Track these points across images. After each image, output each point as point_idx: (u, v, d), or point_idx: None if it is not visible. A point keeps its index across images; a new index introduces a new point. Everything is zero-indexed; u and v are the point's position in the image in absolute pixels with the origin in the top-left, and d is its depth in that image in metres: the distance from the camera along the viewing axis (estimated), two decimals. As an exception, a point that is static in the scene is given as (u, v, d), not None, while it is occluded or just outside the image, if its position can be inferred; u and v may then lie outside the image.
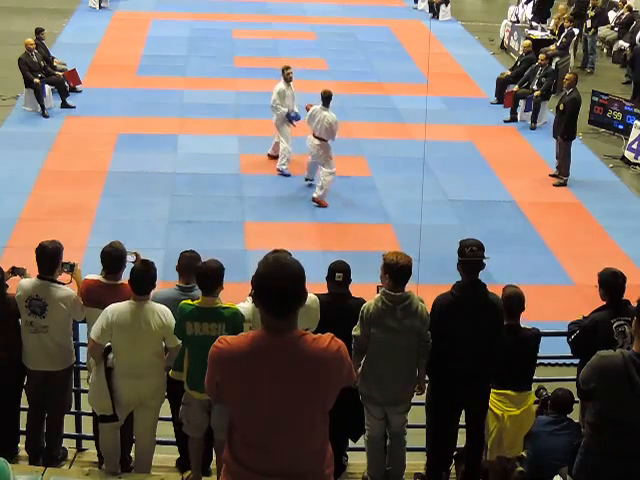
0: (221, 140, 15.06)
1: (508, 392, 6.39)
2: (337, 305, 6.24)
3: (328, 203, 12.76)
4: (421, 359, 6.14)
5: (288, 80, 13.50)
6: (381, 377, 6.05)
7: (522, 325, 6.46)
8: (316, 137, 12.59)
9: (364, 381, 6.03)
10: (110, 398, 6.01)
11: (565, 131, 13.70)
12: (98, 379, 6.04)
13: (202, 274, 5.84)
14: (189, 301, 5.89)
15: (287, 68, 13.54)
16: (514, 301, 6.35)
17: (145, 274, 5.98)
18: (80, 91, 16.96)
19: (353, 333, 5.98)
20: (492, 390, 6.39)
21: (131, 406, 6.17)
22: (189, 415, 6.03)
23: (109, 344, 6.01)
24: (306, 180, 13.34)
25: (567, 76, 14.33)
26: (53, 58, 16.99)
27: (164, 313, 5.95)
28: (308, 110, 12.77)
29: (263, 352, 3.61)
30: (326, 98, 12.55)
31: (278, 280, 3.54)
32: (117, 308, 5.93)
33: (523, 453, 6.53)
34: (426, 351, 6.10)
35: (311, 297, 6.04)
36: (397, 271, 5.93)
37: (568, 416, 6.55)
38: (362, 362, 6.06)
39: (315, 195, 12.76)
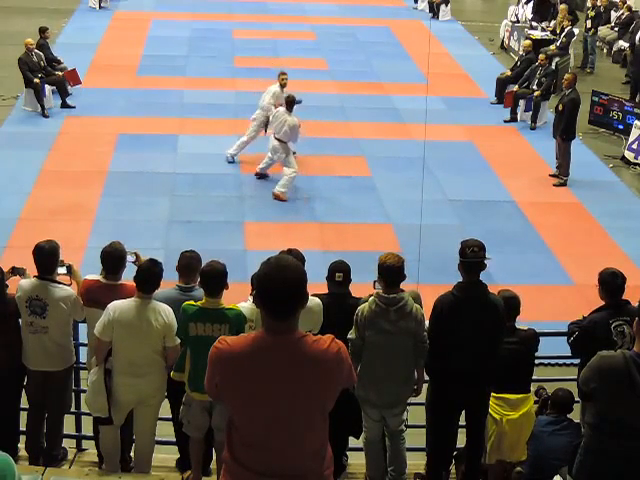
0: (221, 140, 15.05)
1: (506, 396, 6.38)
2: (337, 305, 6.24)
3: (287, 198, 12.91)
4: (419, 360, 6.14)
5: (283, 86, 13.67)
6: (378, 379, 6.05)
7: (518, 326, 6.48)
8: (276, 138, 12.87)
9: (361, 383, 6.02)
10: (107, 400, 6.01)
11: (564, 131, 13.70)
12: (96, 379, 6.04)
13: (207, 276, 5.83)
14: (192, 302, 5.89)
15: (282, 74, 13.75)
16: (512, 304, 6.37)
17: (152, 272, 5.99)
18: (70, 94, 16.60)
19: (348, 336, 5.97)
20: (491, 394, 6.39)
21: (130, 405, 6.17)
22: (190, 415, 6.03)
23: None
24: (256, 174, 13.49)
25: (566, 76, 14.32)
26: (52, 59, 16.90)
27: (166, 312, 5.96)
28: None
29: (263, 353, 3.61)
30: (289, 103, 12.82)
31: (278, 282, 3.53)
32: (119, 305, 5.94)
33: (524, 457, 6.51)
34: (423, 352, 6.09)
35: (314, 300, 6.03)
36: (385, 271, 5.94)
37: (568, 416, 6.55)
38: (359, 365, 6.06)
39: (276, 190, 12.90)
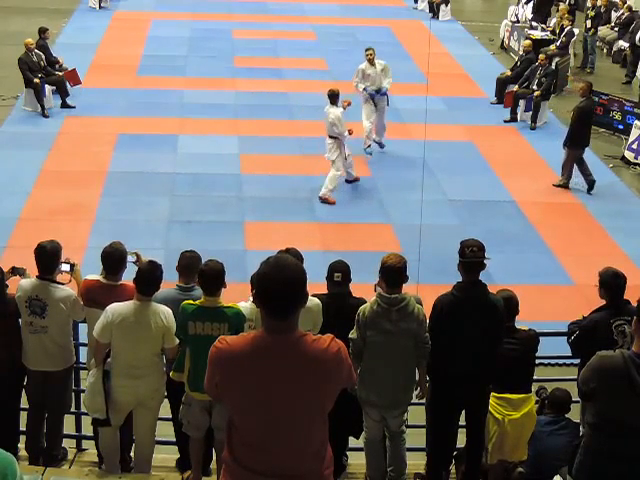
0: (221, 140, 15.07)
1: (508, 396, 6.36)
2: (336, 305, 6.24)
3: (335, 200, 12.92)
4: (421, 361, 6.13)
5: (370, 61, 14.17)
6: (379, 380, 6.04)
7: (519, 326, 6.47)
8: (329, 136, 12.84)
9: (362, 384, 6.03)
10: (105, 401, 6.01)
11: (568, 138, 13.57)
12: (94, 381, 6.04)
13: (205, 275, 5.82)
14: (191, 301, 5.89)
15: (368, 49, 14.36)
16: (510, 304, 6.36)
17: (151, 274, 5.98)
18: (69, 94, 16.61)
19: (350, 336, 5.96)
20: (492, 394, 6.38)
21: (129, 407, 6.17)
22: (189, 415, 6.03)
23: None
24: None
25: (580, 85, 14.12)
26: (55, 58, 16.92)
27: (166, 314, 5.95)
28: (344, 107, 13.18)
29: (263, 353, 3.60)
30: (329, 96, 12.82)
31: (278, 281, 3.52)
32: (118, 308, 5.93)
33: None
34: (425, 353, 6.09)
35: (313, 300, 6.03)
36: (386, 271, 5.95)
37: (567, 416, 6.55)
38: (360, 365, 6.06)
39: (321, 194, 12.92)
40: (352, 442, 6.75)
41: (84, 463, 6.78)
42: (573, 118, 13.62)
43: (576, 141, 13.59)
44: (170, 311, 5.97)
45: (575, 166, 13.72)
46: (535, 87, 16.56)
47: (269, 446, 3.66)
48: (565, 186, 13.76)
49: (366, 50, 14.48)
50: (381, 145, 14.71)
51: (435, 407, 6.35)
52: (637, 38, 20.21)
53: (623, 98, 16.61)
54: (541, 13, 22.70)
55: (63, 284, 6.40)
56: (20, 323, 6.40)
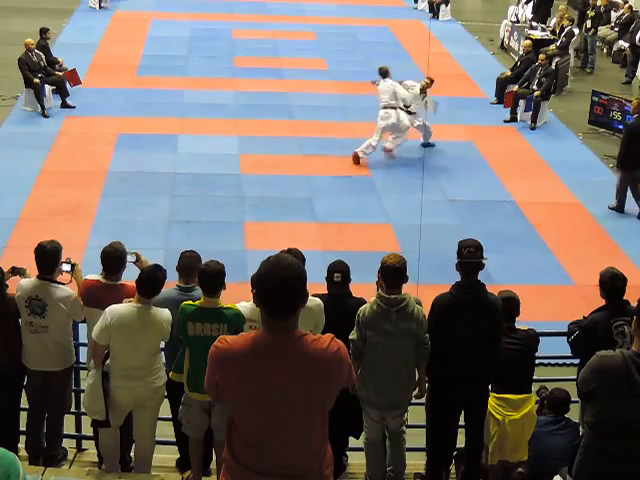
0: (221, 140, 15.06)
1: (508, 396, 6.37)
2: (336, 305, 6.23)
3: (360, 162, 14.02)
4: (420, 362, 6.13)
5: (422, 90, 14.35)
6: (379, 380, 6.04)
7: (519, 326, 6.48)
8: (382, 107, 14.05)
9: (362, 384, 6.03)
10: (104, 403, 6.01)
11: (620, 159, 12.97)
12: (94, 382, 6.03)
13: (205, 275, 5.82)
14: (190, 302, 5.88)
15: (428, 79, 14.61)
16: (511, 304, 6.37)
17: (155, 278, 5.97)
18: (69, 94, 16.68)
19: (350, 337, 5.96)
20: (492, 394, 6.38)
21: (128, 408, 6.17)
22: (189, 416, 6.03)
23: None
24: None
25: (633, 102, 13.42)
26: (55, 58, 16.94)
27: (165, 318, 5.95)
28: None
29: (263, 352, 3.61)
30: (380, 72, 14.24)
31: (278, 281, 3.52)
32: (117, 310, 5.91)
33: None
34: (425, 354, 6.09)
35: (314, 300, 6.01)
36: (384, 271, 5.95)
37: (567, 416, 6.55)
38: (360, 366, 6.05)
39: (357, 149, 14.02)
40: (352, 442, 6.75)
41: (84, 463, 6.78)
42: (623, 137, 13.15)
43: (628, 162, 12.80)
44: (170, 315, 5.96)
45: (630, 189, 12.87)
46: (535, 87, 16.55)
47: (269, 445, 3.67)
48: (619, 210, 12.97)
49: (427, 78, 14.50)
50: (430, 144, 14.83)
51: (435, 407, 6.35)
52: (637, 38, 20.19)
53: (623, 98, 16.59)
54: (541, 13, 22.69)
55: (63, 284, 6.41)
56: (20, 323, 6.40)
